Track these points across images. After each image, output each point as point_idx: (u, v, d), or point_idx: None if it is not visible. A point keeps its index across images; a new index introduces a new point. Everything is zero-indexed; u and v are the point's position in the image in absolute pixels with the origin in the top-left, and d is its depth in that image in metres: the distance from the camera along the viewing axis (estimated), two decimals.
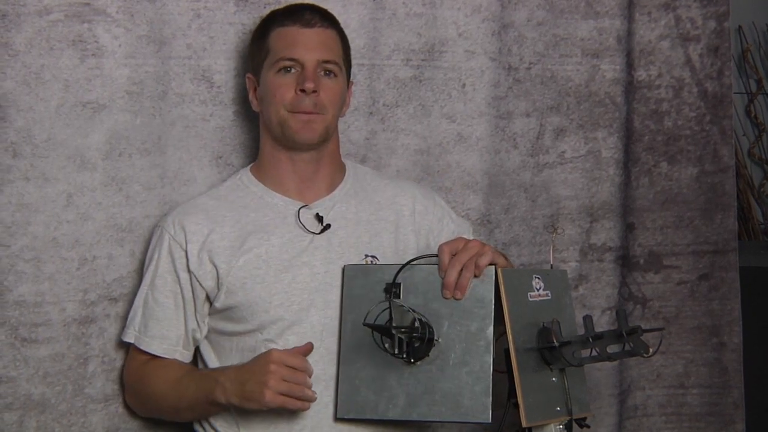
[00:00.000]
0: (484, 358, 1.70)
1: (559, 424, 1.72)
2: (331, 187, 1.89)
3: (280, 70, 1.83)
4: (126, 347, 1.88)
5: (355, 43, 2.02)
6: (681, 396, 2.39)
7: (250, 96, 1.90)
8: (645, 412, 2.38)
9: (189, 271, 1.81)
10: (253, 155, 1.98)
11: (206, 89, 1.96)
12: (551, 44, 2.23)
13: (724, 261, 2.39)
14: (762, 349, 2.59)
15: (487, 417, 1.69)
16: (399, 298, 1.74)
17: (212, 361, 1.83)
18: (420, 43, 2.11)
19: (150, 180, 1.92)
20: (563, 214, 2.27)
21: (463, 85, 2.14)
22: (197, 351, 1.86)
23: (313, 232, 1.83)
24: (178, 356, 1.83)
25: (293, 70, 1.83)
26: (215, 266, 1.80)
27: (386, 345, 1.70)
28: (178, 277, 1.82)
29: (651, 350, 1.66)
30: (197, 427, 1.84)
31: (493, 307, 1.71)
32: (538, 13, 2.21)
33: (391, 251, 1.85)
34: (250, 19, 1.96)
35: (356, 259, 1.82)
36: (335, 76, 1.85)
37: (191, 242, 1.81)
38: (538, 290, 1.76)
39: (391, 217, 1.89)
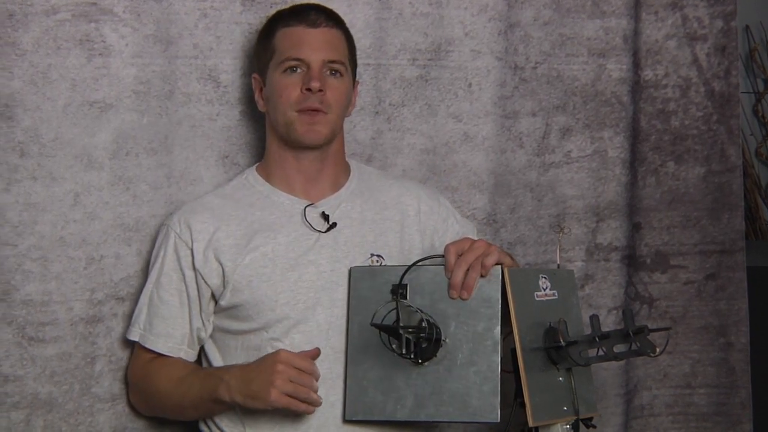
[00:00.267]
0: (491, 357, 1.70)
1: (566, 424, 1.72)
2: (336, 186, 1.89)
3: (286, 70, 1.83)
4: (132, 346, 1.89)
5: (361, 42, 2.02)
6: (688, 396, 2.39)
7: (256, 96, 1.91)
8: (652, 412, 2.38)
9: (194, 269, 1.81)
10: (259, 155, 1.98)
11: (213, 89, 1.97)
12: (557, 44, 2.22)
13: (732, 261, 2.39)
14: None
15: (496, 417, 1.69)
16: (406, 298, 1.74)
17: (217, 360, 1.83)
18: (426, 42, 2.11)
19: (157, 179, 1.92)
20: (569, 214, 2.26)
21: (470, 85, 2.14)
22: (202, 350, 1.86)
23: (320, 231, 1.83)
24: (182, 355, 1.83)
25: (299, 70, 1.83)
26: (221, 264, 1.80)
27: (394, 346, 1.70)
28: (183, 275, 1.82)
29: (658, 350, 1.66)
30: (203, 426, 1.84)
31: (499, 306, 1.71)
32: (545, 12, 2.21)
33: (396, 250, 1.85)
34: (257, 18, 1.96)
35: (362, 257, 1.82)
36: (341, 75, 1.85)
37: (197, 240, 1.82)
38: (544, 290, 1.75)
39: (397, 216, 1.89)
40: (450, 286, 1.73)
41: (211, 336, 1.85)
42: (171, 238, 1.83)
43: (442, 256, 1.75)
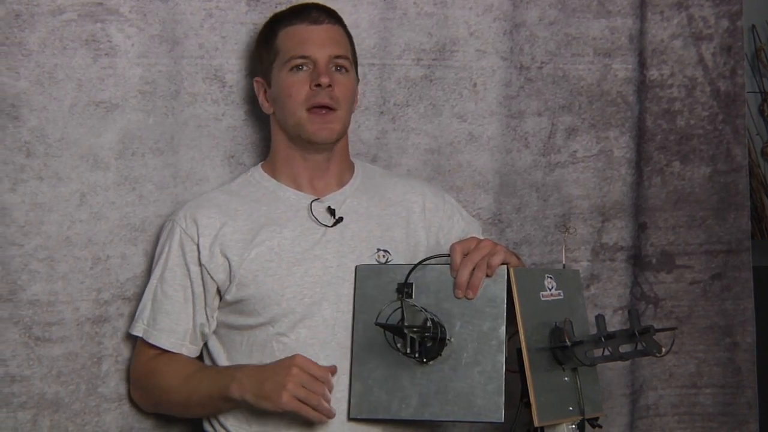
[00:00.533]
0: (496, 357, 1.70)
1: (572, 424, 1.72)
2: (341, 182, 1.89)
3: (292, 68, 1.84)
4: (135, 343, 1.88)
5: (366, 42, 2.02)
6: (693, 396, 2.39)
7: (260, 99, 1.90)
8: (657, 412, 2.37)
9: (200, 264, 1.81)
10: (264, 154, 1.98)
11: (218, 89, 1.97)
12: (563, 43, 2.22)
13: (737, 260, 2.39)
14: None
15: (500, 416, 1.69)
16: (411, 297, 1.74)
17: (221, 356, 1.83)
18: (431, 42, 2.11)
19: (163, 179, 1.92)
20: (575, 214, 2.26)
21: (474, 85, 2.14)
22: (205, 347, 1.85)
23: (326, 225, 1.83)
24: (184, 351, 1.82)
25: (305, 68, 1.83)
26: (227, 259, 1.80)
27: (398, 345, 1.70)
28: (188, 270, 1.82)
29: (663, 350, 1.66)
30: (207, 426, 1.84)
31: (505, 306, 1.71)
32: (550, 12, 2.21)
33: (403, 245, 1.85)
34: (262, 18, 1.96)
35: (369, 252, 1.82)
36: (346, 71, 1.86)
37: (203, 236, 1.81)
38: (550, 290, 1.75)
39: (402, 212, 1.89)
40: (455, 286, 1.73)
41: (215, 332, 1.84)
42: (176, 233, 1.83)
43: (448, 255, 1.75)
